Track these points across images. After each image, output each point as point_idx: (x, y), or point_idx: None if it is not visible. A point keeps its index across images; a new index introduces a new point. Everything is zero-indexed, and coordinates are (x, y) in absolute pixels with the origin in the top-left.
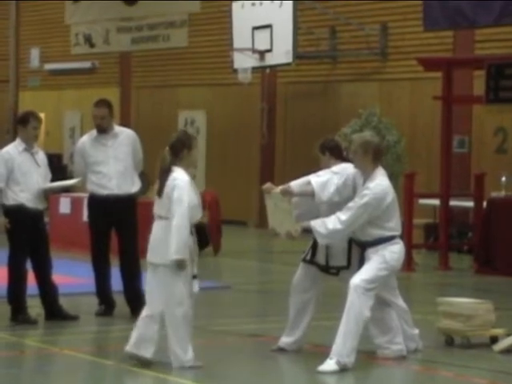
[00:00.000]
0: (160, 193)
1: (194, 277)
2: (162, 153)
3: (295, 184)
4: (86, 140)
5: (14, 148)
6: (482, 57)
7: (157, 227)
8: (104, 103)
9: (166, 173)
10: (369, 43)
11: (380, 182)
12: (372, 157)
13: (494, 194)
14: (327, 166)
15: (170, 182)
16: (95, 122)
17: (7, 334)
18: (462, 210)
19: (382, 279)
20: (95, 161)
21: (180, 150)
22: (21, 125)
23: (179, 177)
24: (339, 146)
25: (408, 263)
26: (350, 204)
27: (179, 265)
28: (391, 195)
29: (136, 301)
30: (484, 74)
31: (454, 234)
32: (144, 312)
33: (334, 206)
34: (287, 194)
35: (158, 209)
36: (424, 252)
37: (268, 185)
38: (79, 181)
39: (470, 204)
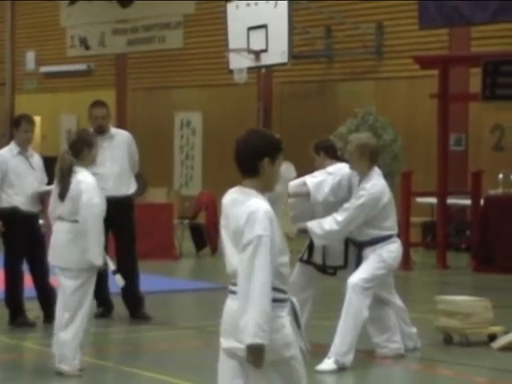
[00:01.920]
0: (63, 196)
1: (115, 272)
2: (60, 154)
3: (290, 185)
4: None
5: (9, 151)
6: (478, 54)
7: (60, 229)
8: (102, 103)
9: (67, 174)
10: (364, 42)
11: (376, 182)
12: (368, 159)
13: (491, 192)
14: (322, 166)
15: (74, 186)
16: (96, 123)
17: (6, 337)
18: (459, 208)
19: (380, 278)
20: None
21: (81, 149)
22: (14, 128)
23: (84, 179)
24: (333, 146)
25: (405, 262)
26: (347, 205)
27: (98, 269)
28: (387, 195)
29: (134, 302)
30: (480, 72)
31: (451, 232)
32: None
33: (330, 207)
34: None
35: (59, 210)
36: (422, 250)
37: None
38: None
39: (468, 202)
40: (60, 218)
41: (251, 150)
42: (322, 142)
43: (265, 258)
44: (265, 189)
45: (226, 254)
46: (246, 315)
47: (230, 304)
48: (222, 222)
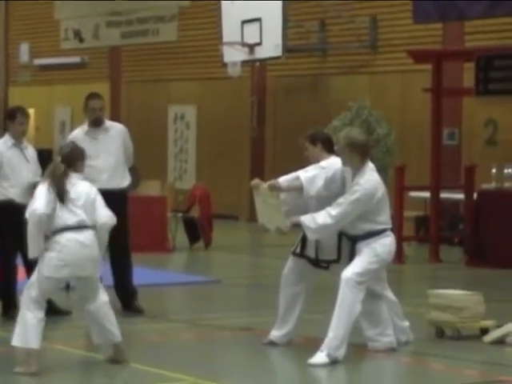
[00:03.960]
0: (64, 199)
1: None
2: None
3: (283, 180)
4: (77, 134)
5: (3, 143)
6: (472, 49)
7: (91, 239)
8: (98, 95)
9: (64, 179)
10: (359, 36)
11: (370, 177)
12: (359, 155)
13: (484, 186)
14: (316, 159)
15: (86, 189)
16: (93, 115)
17: None
18: (452, 203)
19: (373, 272)
20: (86, 155)
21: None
22: (9, 120)
23: (89, 185)
24: (331, 139)
25: (398, 256)
26: (341, 199)
27: None
28: (381, 190)
29: (128, 295)
30: (474, 66)
31: (444, 227)
32: None
33: (324, 202)
34: (275, 189)
35: (78, 218)
36: (415, 244)
37: (256, 181)
38: None
39: (461, 196)
40: (84, 227)
41: None
42: (320, 133)
43: None
44: None
45: None
46: None
47: None
48: None
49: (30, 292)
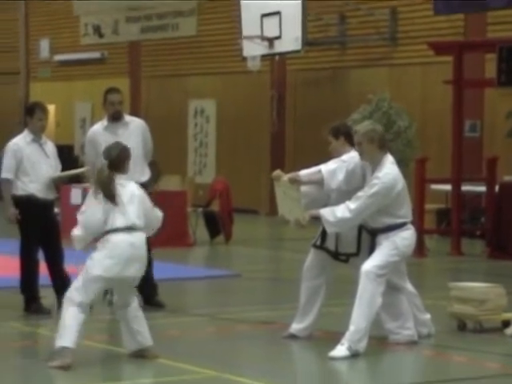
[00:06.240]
0: (115, 201)
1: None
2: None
3: (304, 173)
4: (96, 129)
5: (23, 139)
6: (493, 40)
7: (142, 240)
8: (117, 89)
9: (111, 182)
10: (378, 28)
11: (389, 171)
12: (378, 145)
13: (506, 178)
14: (338, 152)
15: (136, 192)
16: (113, 108)
17: (21, 324)
18: (474, 195)
19: (393, 265)
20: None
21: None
22: (28, 116)
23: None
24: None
25: (420, 249)
26: (360, 193)
27: None
28: (401, 183)
29: (148, 289)
30: (495, 57)
31: (466, 219)
32: None
33: (344, 196)
34: (295, 182)
35: (127, 219)
36: (436, 237)
37: (277, 172)
38: (88, 170)
39: (482, 189)
40: (132, 228)
41: None
42: (343, 126)
43: None
44: None
45: None
46: None
47: None
48: None
49: (74, 296)
